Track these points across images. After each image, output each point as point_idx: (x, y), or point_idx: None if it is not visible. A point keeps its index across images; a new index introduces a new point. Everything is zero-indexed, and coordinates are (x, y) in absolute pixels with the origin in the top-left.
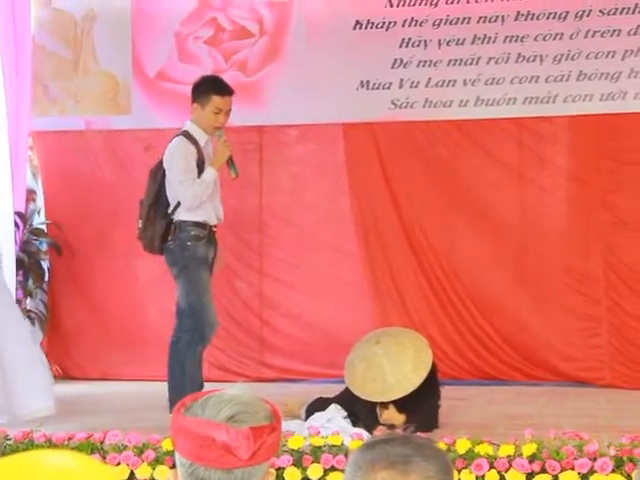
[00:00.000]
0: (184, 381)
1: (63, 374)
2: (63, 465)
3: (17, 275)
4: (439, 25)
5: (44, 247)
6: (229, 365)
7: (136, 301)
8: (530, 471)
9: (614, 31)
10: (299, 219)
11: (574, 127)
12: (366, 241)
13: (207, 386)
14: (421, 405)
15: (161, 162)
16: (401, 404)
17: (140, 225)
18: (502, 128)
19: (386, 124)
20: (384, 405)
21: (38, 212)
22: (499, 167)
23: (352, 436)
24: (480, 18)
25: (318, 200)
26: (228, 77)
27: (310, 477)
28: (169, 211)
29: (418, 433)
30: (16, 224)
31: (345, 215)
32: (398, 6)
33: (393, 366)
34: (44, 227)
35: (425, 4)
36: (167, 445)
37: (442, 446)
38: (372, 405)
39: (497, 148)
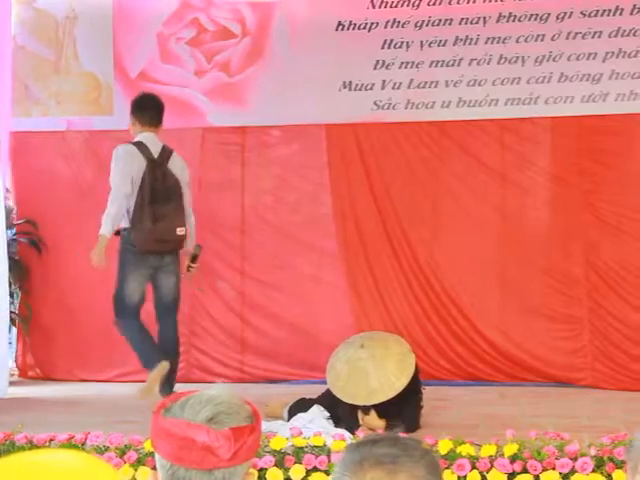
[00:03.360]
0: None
1: (44, 376)
2: (68, 463)
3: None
4: (421, 26)
5: (23, 246)
6: (210, 366)
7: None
8: (512, 471)
9: (595, 33)
10: (281, 220)
11: (556, 128)
12: (348, 242)
13: (187, 387)
14: (403, 410)
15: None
16: (382, 409)
17: None
18: (484, 129)
19: (368, 125)
20: (365, 409)
21: (14, 211)
22: (481, 168)
23: (334, 437)
24: (462, 19)
25: (300, 201)
26: (210, 78)
27: (292, 478)
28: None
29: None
30: None
31: (327, 216)
32: (380, 7)
33: (377, 371)
34: (24, 226)
35: (407, 5)
36: (149, 446)
37: None
38: (354, 408)
39: (479, 149)
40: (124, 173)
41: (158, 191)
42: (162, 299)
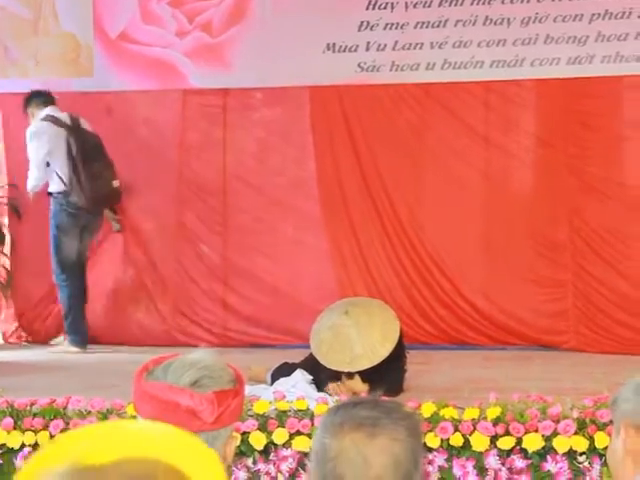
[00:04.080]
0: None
1: (26, 340)
2: (149, 428)
3: None
4: None
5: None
6: (192, 330)
7: (96, 264)
8: (494, 434)
9: None
10: (264, 183)
11: (541, 91)
12: (331, 206)
13: (170, 350)
14: (386, 375)
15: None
16: (366, 374)
17: None
18: (469, 91)
19: (352, 87)
20: (349, 374)
21: None
22: (466, 131)
23: (317, 400)
24: None
25: (283, 164)
26: (192, 39)
27: (275, 441)
28: None
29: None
30: None
31: (310, 179)
32: None
33: (361, 337)
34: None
35: None
36: (132, 410)
37: None
38: (337, 374)
39: (464, 111)
40: (41, 145)
41: (86, 152)
42: (81, 256)
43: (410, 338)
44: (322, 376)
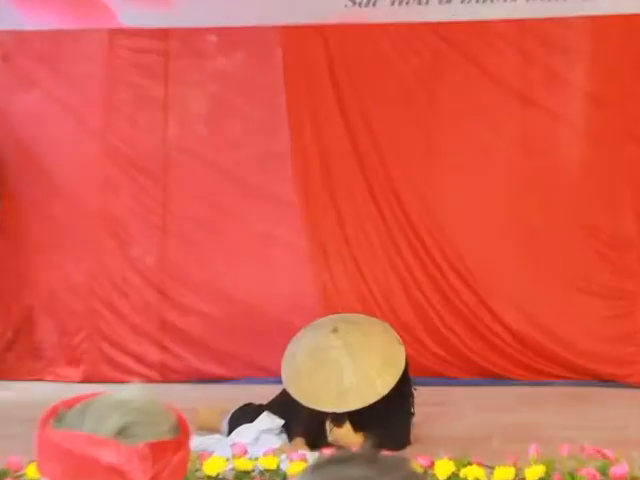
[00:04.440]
0: None
1: None
2: None
3: None
4: None
5: None
6: (120, 360)
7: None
8: None
9: None
10: (220, 157)
11: (594, 32)
12: (311, 188)
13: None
14: (387, 420)
15: None
16: (359, 418)
17: None
18: (499, 33)
19: (341, 28)
20: (337, 419)
21: None
22: (494, 86)
23: (292, 457)
24: None
25: (246, 132)
26: None
27: None
28: None
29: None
30: None
31: (283, 153)
32: None
33: (353, 364)
34: None
35: None
36: (33, 472)
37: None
38: (320, 416)
39: (491, 60)
40: None
41: None
42: None
43: (419, 369)
44: (299, 420)
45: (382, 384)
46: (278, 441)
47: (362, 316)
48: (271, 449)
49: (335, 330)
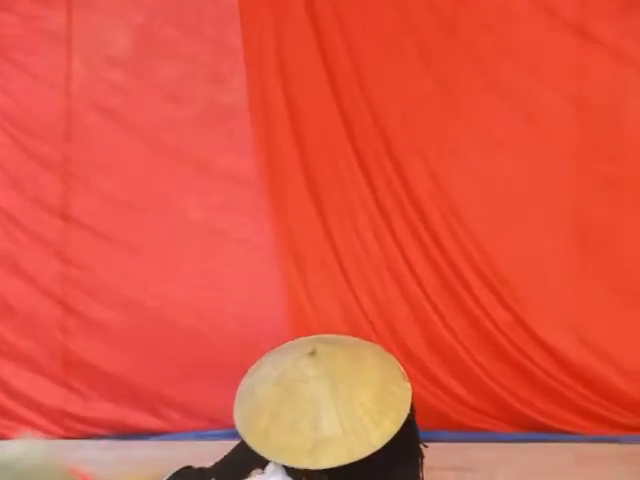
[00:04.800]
0: None
1: None
2: None
3: None
4: None
5: None
6: (8, 406)
7: None
8: None
9: None
10: (145, 117)
11: None
12: (275, 158)
13: None
14: None
15: None
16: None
17: None
18: None
19: None
20: (313, 479)
21: None
22: (542, 20)
23: None
24: None
25: (184, 79)
26: None
27: None
28: None
29: None
30: None
31: (237, 110)
32: None
33: (337, 402)
34: None
35: None
36: None
37: None
38: (291, 474)
39: None
40: None
41: None
42: None
43: (434, 418)
44: None
45: (378, 433)
46: None
47: (350, 338)
48: None
49: (312, 353)
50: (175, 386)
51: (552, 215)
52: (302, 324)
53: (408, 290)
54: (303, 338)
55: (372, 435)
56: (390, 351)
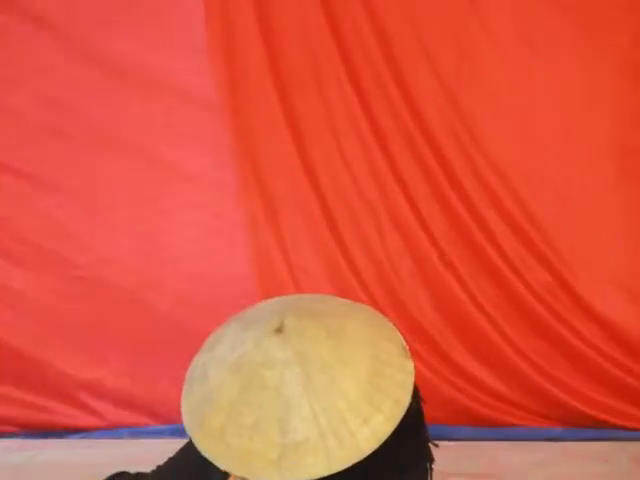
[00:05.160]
0: None
1: None
2: None
3: None
4: None
5: None
6: None
7: None
8: None
9: None
10: (70, 26)
11: None
12: (235, 70)
13: None
14: None
15: None
16: None
17: None
18: None
19: None
20: None
21: None
22: None
23: None
24: None
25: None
26: None
27: None
28: None
29: None
30: None
31: (195, 20)
32: None
33: (312, 396)
34: None
35: None
36: None
37: None
38: None
39: None
40: None
41: None
42: None
43: (445, 408)
44: None
45: (367, 433)
46: None
47: (332, 299)
48: None
49: (279, 330)
50: (107, 369)
51: (595, 147)
52: (274, 285)
53: (414, 242)
54: (270, 302)
55: (359, 436)
56: (390, 322)
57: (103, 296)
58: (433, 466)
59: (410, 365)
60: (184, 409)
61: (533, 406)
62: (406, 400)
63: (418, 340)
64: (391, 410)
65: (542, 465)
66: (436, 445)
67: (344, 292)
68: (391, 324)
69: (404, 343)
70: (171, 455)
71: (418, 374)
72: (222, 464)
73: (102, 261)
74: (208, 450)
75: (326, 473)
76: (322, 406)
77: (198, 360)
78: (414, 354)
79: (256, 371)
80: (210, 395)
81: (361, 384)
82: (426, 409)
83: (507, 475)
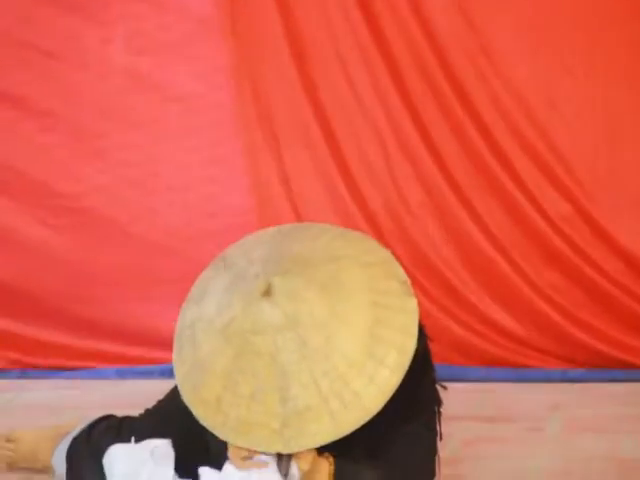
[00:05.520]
0: None
1: None
2: None
3: None
4: None
5: None
6: None
7: None
8: None
9: None
10: None
11: None
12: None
13: None
14: (383, 447)
15: None
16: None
17: None
18: None
19: None
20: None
21: None
22: None
23: None
24: None
25: None
26: None
27: None
28: None
29: None
30: None
31: None
32: None
33: (310, 361)
34: None
35: None
36: None
37: None
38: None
39: None
40: None
41: None
42: None
43: (457, 348)
44: (211, 445)
45: (372, 391)
46: None
47: (327, 233)
48: None
49: (267, 292)
50: (97, 304)
51: (623, 67)
52: (273, 216)
53: (423, 170)
54: (257, 239)
55: (364, 396)
56: (397, 259)
57: (89, 228)
58: (441, 409)
59: (412, 303)
60: (178, 374)
61: (549, 346)
62: (411, 346)
63: (427, 276)
64: (396, 361)
65: (559, 408)
66: (445, 387)
67: (348, 224)
68: (390, 255)
69: (405, 277)
70: (160, 398)
71: (427, 312)
72: (221, 434)
73: (92, 191)
74: (207, 419)
75: (334, 438)
76: (322, 370)
77: (186, 315)
78: (423, 291)
79: (247, 338)
80: (203, 363)
81: (361, 338)
82: (435, 349)
83: (522, 418)
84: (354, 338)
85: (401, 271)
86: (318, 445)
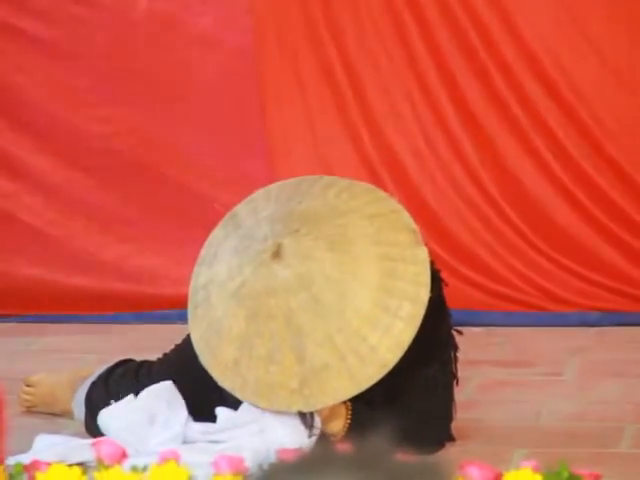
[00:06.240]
0: None
1: None
2: None
3: None
4: None
5: None
6: None
7: None
8: None
9: None
10: None
11: None
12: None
13: None
14: (401, 395)
15: None
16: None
17: None
18: None
19: None
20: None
21: None
22: None
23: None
24: None
25: None
26: None
27: None
28: None
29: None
30: None
31: None
32: None
33: (323, 320)
34: None
35: None
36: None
37: None
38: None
39: None
40: None
41: None
42: None
43: (472, 292)
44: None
45: (387, 344)
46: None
47: (333, 186)
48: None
49: (277, 254)
50: (123, 247)
51: None
52: (297, 160)
53: (444, 115)
54: (265, 198)
55: (381, 349)
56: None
57: (124, 170)
58: (457, 354)
59: (423, 252)
60: (194, 336)
61: (568, 289)
62: (424, 296)
63: (452, 221)
64: (410, 312)
65: (577, 352)
66: (460, 332)
67: (370, 171)
68: (398, 205)
69: (413, 225)
70: (178, 342)
71: (441, 259)
72: (242, 396)
73: (123, 133)
74: (225, 382)
75: (353, 393)
76: (336, 327)
77: (198, 277)
78: (444, 248)
79: (260, 300)
80: (218, 325)
81: (373, 293)
82: (450, 293)
83: (539, 363)
84: (366, 293)
85: (410, 220)
86: (339, 401)
